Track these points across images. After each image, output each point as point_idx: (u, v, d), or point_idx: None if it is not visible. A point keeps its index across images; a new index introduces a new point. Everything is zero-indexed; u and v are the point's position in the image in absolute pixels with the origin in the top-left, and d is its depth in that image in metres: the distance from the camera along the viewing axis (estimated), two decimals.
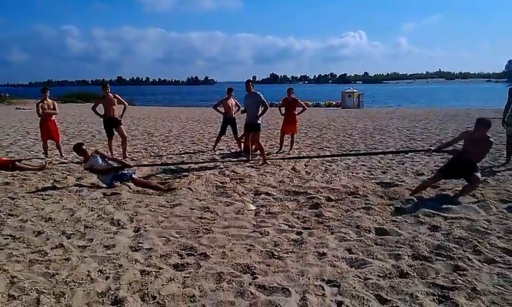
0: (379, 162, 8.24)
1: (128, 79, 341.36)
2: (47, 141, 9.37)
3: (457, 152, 5.82)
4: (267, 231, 4.35)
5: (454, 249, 3.73)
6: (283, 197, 5.80)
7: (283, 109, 10.31)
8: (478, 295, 2.93)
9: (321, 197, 5.59)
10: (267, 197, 5.83)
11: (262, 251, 3.86)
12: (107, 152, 8.50)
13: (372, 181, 6.60)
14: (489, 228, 4.27)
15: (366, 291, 3.03)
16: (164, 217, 4.92)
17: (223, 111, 10.25)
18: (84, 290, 3.07)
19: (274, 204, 5.41)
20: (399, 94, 79.07)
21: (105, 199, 5.72)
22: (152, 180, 6.90)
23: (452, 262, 3.48)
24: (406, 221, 4.63)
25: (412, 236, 4.09)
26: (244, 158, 8.69)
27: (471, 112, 23.05)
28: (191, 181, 6.55)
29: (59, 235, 4.28)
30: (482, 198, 5.35)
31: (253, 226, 4.62)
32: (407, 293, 2.97)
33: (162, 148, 10.79)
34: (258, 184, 6.55)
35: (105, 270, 3.41)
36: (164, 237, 4.24)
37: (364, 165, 7.99)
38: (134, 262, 3.59)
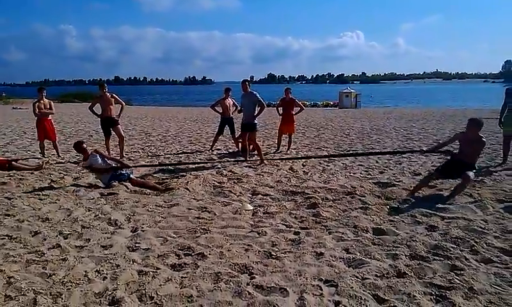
0: (377, 162, 8.25)
1: (125, 79, 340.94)
2: (43, 140, 9.33)
3: (450, 153, 5.86)
4: (265, 231, 4.34)
5: (451, 249, 3.73)
6: (281, 197, 5.80)
7: (280, 109, 10.32)
8: (475, 295, 2.93)
9: (319, 197, 5.59)
10: (265, 197, 5.83)
11: (259, 250, 3.86)
12: (106, 152, 8.48)
13: (370, 181, 6.61)
14: (486, 227, 4.28)
15: (364, 291, 3.04)
16: (162, 217, 4.91)
17: (221, 111, 10.25)
18: (81, 290, 3.06)
19: (272, 204, 5.41)
20: (396, 95, 79.30)
21: (102, 199, 5.71)
22: (150, 180, 6.89)
23: (449, 262, 3.48)
24: (403, 221, 4.64)
25: (409, 236, 4.10)
26: (241, 158, 8.69)
27: (468, 113, 23.09)
28: (188, 181, 6.54)
29: (56, 235, 4.26)
30: (479, 198, 5.36)
31: (251, 226, 4.62)
32: (404, 293, 2.98)
33: (160, 147, 10.78)
34: (256, 184, 6.55)
35: (103, 271, 3.40)
36: (161, 237, 4.23)
37: (361, 165, 8.01)
38: (131, 262, 3.58)
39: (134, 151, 10.09)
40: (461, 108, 31.26)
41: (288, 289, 3.06)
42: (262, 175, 7.16)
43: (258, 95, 8.29)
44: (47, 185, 6.49)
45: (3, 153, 9.51)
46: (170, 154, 9.75)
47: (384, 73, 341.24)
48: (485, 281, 3.14)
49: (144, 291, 3.05)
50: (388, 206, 5.21)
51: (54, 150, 9.46)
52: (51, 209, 5.18)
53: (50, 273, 3.35)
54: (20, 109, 28.30)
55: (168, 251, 3.83)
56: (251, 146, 8.79)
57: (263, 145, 10.70)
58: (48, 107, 9.37)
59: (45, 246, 3.96)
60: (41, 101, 9.26)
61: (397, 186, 6.15)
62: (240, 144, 9.60)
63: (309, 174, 7.30)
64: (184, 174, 7.19)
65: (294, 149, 10.22)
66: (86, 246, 3.98)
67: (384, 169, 7.57)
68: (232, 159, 8.87)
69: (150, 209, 5.21)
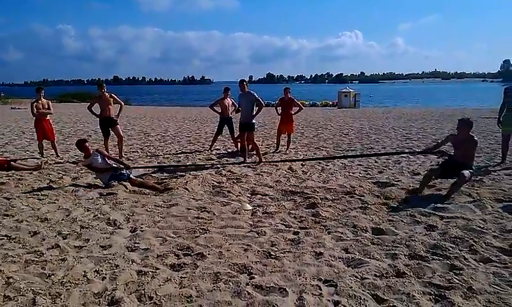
0: (376, 161, 8.26)
1: (124, 79, 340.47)
2: (42, 140, 9.32)
3: (442, 153, 5.89)
4: (264, 231, 4.35)
5: (450, 249, 3.74)
6: (280, 197, 5.80)
7: (279, 108, 10.32)
8: (474, 295, 2.94)
9: (318, 197, 5.60)
10: (264, 197, 5.83)
11: (258, 250, 3.86)
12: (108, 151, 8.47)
13: (369, 180, 6.62)
14: (485, 227, 4.29)
15: (363, 290, 3.04)
16: (161, 217, 4.90)
17: (220, 111, 10.25)
18: (80, 291, 3.05)
19: (271, 204, 5.41)
20: (394, 94, 79.37)
21: (101, 199, 5.70)
22: (149, 180, 6.89)
23: (448, 261, 3.49)
24: (402, 221, 4.64)
25: (408, 236, 4.11)
26: (240, 158, 8.69)
27: (467, 112, 23.12)
28: (187, 181, 6.53)
29: (55, 236, 4.25)
30: (478, 198, 5.37)
31: (250, 225, 4.62)
32: (404, 293, 2.98)
33: (159, 147, 10.77)
34: (255, 184, 6.55)
35: (102, 271, 3.40)
36: (160, 237, 4.23)
37: (360, 164, 8.01)
38: (130, 262, 3.58)
39: (133, 151, 10.08)
40: (460, 108, 31.31)
41: (287, 289, 3.06)
42: (261, 175, 7.16)
43: (256, 94, 8.30)
44: (46, 185, 6.48)
45: (2, 154, 9.49)
46: (169, 154, 9.74)
47: (383, 73, 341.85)
48: (484, 281, 3.14)
49: (143, 291, 3.05)
50: (387, 206, 5.22)
51: (53, 150, 9.45)
52: (50, 209, 5.17)
53: (49, 273, 3.34)
54: (18, 109, 28.24)
55: (167, 251, 3.83)
56: (250, 146, 8.79)
57: (262, 145, 10.71)
58: (46, 107, 9.36)
59: (44, 246, 3.95)
60: (40, 101, 9.25)
61: (396, 186, 6.16)
62: (239, 144, 9.60)
63: (308, 174, 7.30)
64: (183, 174, 7.19)
65: (293, 148, 10.22)
66: (85, 246, 3.98)
67: (384, 169, 7.58)
68: (231, 159, 8.87)
69: (149, 209, 5.20)
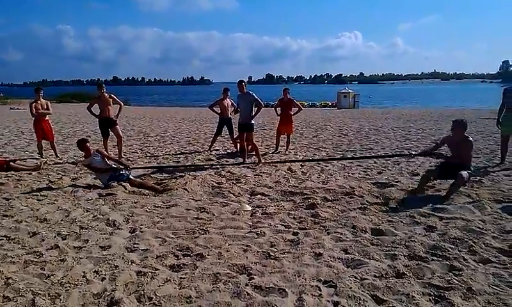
0: (375, 162, 8.26)
1: (123, 79, 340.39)
2: (41, 141, 9.31)
3: (438, 155, 5.91)
4: (264, 232, 4.35)
5: (450, 249, 3.74)
6: (279, 198, 5.80)
7: (278, 109, 10.33)
8: (473, 295, 2.94)
9: (317, 198, 5.60)
10: (263, 197, 5.83)
11: (258, 251, 3.86)
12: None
13: (368, 181, 6.62)
14: (484, 228, 4.29)
15: (362, 291, 3.04)
16: (160, 217, 4.90)
17: (219, 111, 10.25)
18: (79, 291, 3.05)
19: (271, 205, 5.41)
20: (394, 95, 79.41)
21: (100, 199, 5.69)
22: (148, 181, 6.88)
23: (447, 262, 3.49)
24: (401, 221, 4.64)
25: (408, 237, 4.11)
26: (240, 159, 8.69)
27: (466, 113, 23.17)
28: (186, 182, 6.53)
29: (55, 236, 4.25)
30: (477, 198, 5.38)
31: (249, 226, 4.62)
32: (403, 294, 2.98)
33: (158, 148, 10.77)
34: (254, 185, 6.55)
35: (101, 271, 3.39)
36: (160, 238, 4.22)
37: (360, 165, 8.01)
38: (129, 263, 3.58)
39: (132, 152, 10.08)
40: (460, 108, 31.33)
41: (287, 289, 3.06)
42: (261, 176, 7.16)
43: (255, 95, 8.31)
44: (45, 186, 6.48)
45: (1, 154, 9.48)
46: (168, 154, 9.74)
47: (383, 74, 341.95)
48: (483, 281, 3.14)
49: (143, 292, 3.05)
50: (386, 207, 5.22)
51: (52, 151, 9.44)
52: (49, 210, 5.17)
53: (49, 274, 3.34)
54: (17, 109, 28.22)
55: (167, 252, 3.83)
56: (250, 147, 8.79)
57: (261, 145, 10.71)
58: (45, 107, 9.35)
59: (43, 247, 3.95)
60: (39, 101, 9.24)
61: (396, 186, 6.16)
62: (238, 144, 9.60)
63: (307, 174, 7.30)
64: (183, 174, 7.19)
65: (293, 149, 10.22)
66: (85, 247, 3.98)
67: (383, 170, 7.58)
68: (231, 160, 8.87)
69: (148, 210, 5.20)
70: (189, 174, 7.14)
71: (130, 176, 6.61)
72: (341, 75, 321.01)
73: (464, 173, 5.37)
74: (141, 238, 4.18)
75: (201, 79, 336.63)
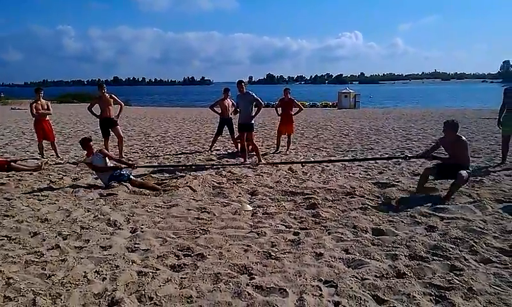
0: (376, 162, 8.25)
1: (124, 79, 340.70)
2: (42, 141, 9.32)
3: (433, 157, 5.92)
4: (264, 232, 4.34)
5: (451, 249, 3.74)
6: (280, 198, 5.80)
7: (279, 109, 10.33)
8: (474, 295, 2.94)
9: (318, 198, 5.60)
10: (264, 197, 5.83)
11: (259, 251, 3.86)
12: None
13: (369, 181, 6.61)
14: (485, 228, 4.29)
15: (363, 291, 3.04)
16: (161, 217, 4.90)
17: (220, 111, 10.26)
18: (80, 291, 3.05)
19: (271, 205, 5.41)
20: (395, 95, 79.35)
21: (101, 199, 5.70)
22: (149, 181, 6.89)
23: (448, 262, 3.49)
24: (402, 221, 4.64)
25: (409, 237, 4.11)
26: (241, 159, 8.69)
27: (467, 113, 23.18)
28: (187, 182, 6.53)
29: (55, 236, 4.25)
30: (478, 198, 5.38)
31: (250, 226, 4.62)
32: (404, 294, 2.98)
33: (159, 148, 10.77)
34: (255, 184, 6.55)
35: (102, 271, 3.40)
36: (160, 238, 4.23)
37: (360, 165, 8.01)
38: (130, 263, 3.58)
39: (133, 152, 10.08)
40: (461, 108, 31.30)
41: (287, 289, 3.06)
42: (261, 176, 7.16)
43: (254, 95, 8.32)
44: (46, 186, 6.48)
45: (2, 154, 9.49)
46: (169, 155, 9.74)
47: (383, 74, 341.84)
48: (484, 282, 3.14)
49: (143, 292, 3.05)
50: (387, 207, 5.22)
51: (53, 151, 9.45)
52: (50, 210, 5.17)
53: (50, 274, 3.34)
54: (18, 109, 28.24)
55: (168, 252, 3.83)
56: (250, 147, 8.79)
57: (262, 145, 10.72)
58: (45, 107, 9.36)
59: (44, 247, 3.95)
60: (39, 101, 9.25)
61: (396, 186, 6.16)
62: (239, 144, 9.61)
63: (308, 174, 7.30)
64: (183, 174, 7.19)
65: (293, 149, 10.22)
66: (85, 247, 3.98)
67: (384, 170, 7.57)
68: (231, 160, 8.88)
69: (149, 210, 5.21)
70: (190, 175, 7.14)
71: (131, 176, 6.62)
72: (341, 75, 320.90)
73: (464, 173, 5.37)
74: (142, 238, 4.18)
75: (202, 79, 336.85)
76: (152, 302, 2.94)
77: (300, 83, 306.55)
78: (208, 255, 3.74)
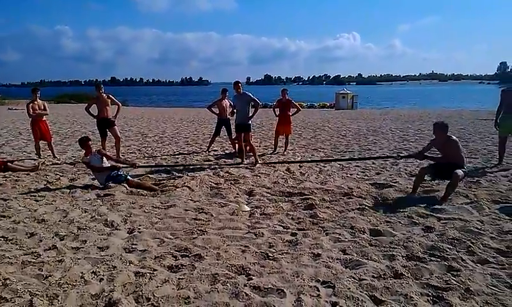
0: (373, 163, 8.27)
1: (122, 80, 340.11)
2: (39, 141, 9.29)
3: (424, 157, 5.95)
4: (262, 232, 4.34)
5: (448, 250, 3.75)
6: (278, 198, 5.80)
7: (277, 110, 10.33)
8: (471, 296, 2.94)
9: (316, 198, 5.60)
10: (262, 198, 5.83)
11: (256, 252, 3.85)
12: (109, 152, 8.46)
13: (366, 182, 6.62)
14: (482, 228, 4.30)
15: (360, 292, 3.04)
16: (158, 218, 4.89)
17: (218, 112, 10.26)
18: (77, 292, 3.04)
19: (269, 206, 5.41)
20: (392, 96, 79.52)
21: (98, 200, 5.69)
22: (146, 181, 6.88)
23: (445, 263, 3.50)
24: (399, 222, 4.65)
25: (406, 237, 4.11)
26: (238, 159, 8.69)
27: (464, 114, 23.24)
28: (185, 183, 6.53)
29: (52, 237, 4.24)
30: (475, 199, 5.39)
31: (248, 227, 4.62)
32: (401, 294, 2.98)
33: (156, 149, 10.76)
34: (253, 185, 6.54)
35: (99, 272, 3.38)
36: (158, 238, 4.22)
37: (358, 166, 8.02)
38: (128, 264, 3.57)
39: (130, 153, 10.07)
40: (458, 109, 31.39)
41: (285, 290, 3.06)
42: (259, 176, 7.16)
43: (251, 95, 8.32)
44: (43, 186, 6.46)
45: None
46: (167, 155, 9.73)
47: (381, 75, 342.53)
48: (481, 282, 3.15)
49: (141, 292, 3.04)
50: (384, 207, 5.23)
51: (50, 151, 9.42)
52: (47, 210, 5.15)
53: (47, 274, 3.33)
54: (15, 109, 28.14)
55: (165, 252, 3.82)
56: (248, 147, 8.80)
57: (260, 146, 10.72)
58: (42, 108, 9.33)
59: (41, 248, 3.94)
60: (35, 102, 9.22)
61: (394, 187, 6.17)
62: (236, 145, 9.61)
63: (306, 175, 7.31)
64: (181, 175, 7.18)
65: (291, 150, 10.22)
66: (83, 247, 3.97)
67: (381, 170, 7.59)
68: (229, 160, 8.87)
69: (146, 210, 5.19)
70: (188, 175, 7.14)
71: (128, 177, 6.61)
72: (339, 76, 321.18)
73: (459, 172, 5.39)
74: (139, 239, 4.17)
75: (200, 80, 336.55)
76: (150, 302, 2.93)
77: (298, 84, 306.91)
78: (206, 256, 3.73)
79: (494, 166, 7.73)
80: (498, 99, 8.01)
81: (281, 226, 4.64)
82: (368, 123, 17.82)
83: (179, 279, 3.28)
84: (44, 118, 9.39)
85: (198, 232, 4.37)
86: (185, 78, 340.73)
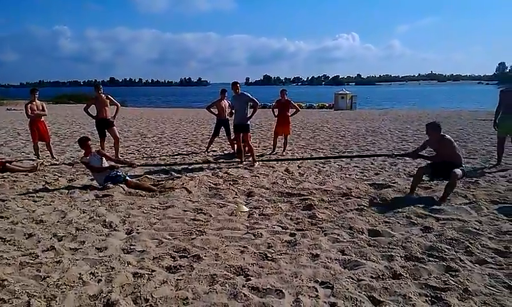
0: (372, 163, 8.28)
1: (121, 80, 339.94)
2: (37, 142, 9.28)
3: (418, 156, 5.97)
4: (261, 233, 4.34)
5: (446, 250, 3.75)
6: (277, 199, 5.79)
7: (276, 110, 10.34)
8: (470, 296, 2.95)
9: (314, 199, 5.60)
10: (261, 198, 5.82)
11: (255, 252, 3.85)
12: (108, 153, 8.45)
13: (365, 182, 6.63)
14: (480, 229, 4.31)
15: (359, 292, 3.04)
16: (157, 218, 4.89)
17: (217, 112, 10.26)
18: (75, 293, 3.04)
19: (268, 206, 5.40)
20: (391, 96, 79.57)
21: (97, 201, 5.68)
22: (145, 182, 6.87)
23: (444, 263, 3.50)
24: (398, 222, 4.65)
25: (404, 238, 4.11)
26: (237, 160, 8.69)
27: (463, 114, 23.26)
28: (184, 183, 6.52)
29: (51, 238, 4.23)
30: (474, 199, 5.40)
31: (246, 227, 4.61)
32: (400, 294, 2.99)
33: (155, 149, 10.75)
34: (252, 186, 6.54)
35: (97, 273, 3.38)
36: (156, 239, 4.21)
37: (357, 166, 8.03)
38: (126, 264, 3.57)
39: (129, 153, 10.06)
40: (457, 109, 31.42)
41: (284, 291, 3.06)
42: (258, 177, 7.16)
43: (249, 95, 8.33)
44: (41, 187, 6.45)
45: None
46: (166, 156, 9.73)
47: (380, 75, 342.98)
48: (480, 282, 3.15)
49: (139, 293, 3.04)
50: (383, 208, 5.23)
51: (48, 152, 9.41)
52: (45, 211, 5.15)
53: (45, 276, 3.32)
54: (14, 110, 28.08)
55: (163, 253, 3.82)
56: (247, 148, 8.80)
57: (258, 147, 10.72)
58: (40, 108, 9.32)
59: (39, 248, 3.93)
60: (34, 102, 9.20)
61: (393, 187, 6.17)
62: (235, 145, 9.61)
63: (305, 175, 7.31)
64: (180, 175, 7.18)
65: (290, 150, 10.23)
66: (81, 248, 3.96)
67: (380, 171, 7.59)
68: (228, 160, 8.87)
69: (145, 211, 5.19)
70: (186, 175, 7.14)
71: (127, 177, 6.60)
72: (338, 76, 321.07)
73: (458, 171, 5.39)
74: (138, 240, 4.17)
75: (199, 80, 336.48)
76: (148, 303, 2.93)
77: (297, 84, 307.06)
78: (205, 256, 3.73)
79: (492, 166, 7.74)
80: (497, 99, 8.02)
81: (279, 226, 4.63)
82: (367, 124, 17.83)
83: (177, 279, 3.28)
84: (42, 119, 9.39)
85: (197, 233, 4.36)
86: (184, 78, 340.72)
